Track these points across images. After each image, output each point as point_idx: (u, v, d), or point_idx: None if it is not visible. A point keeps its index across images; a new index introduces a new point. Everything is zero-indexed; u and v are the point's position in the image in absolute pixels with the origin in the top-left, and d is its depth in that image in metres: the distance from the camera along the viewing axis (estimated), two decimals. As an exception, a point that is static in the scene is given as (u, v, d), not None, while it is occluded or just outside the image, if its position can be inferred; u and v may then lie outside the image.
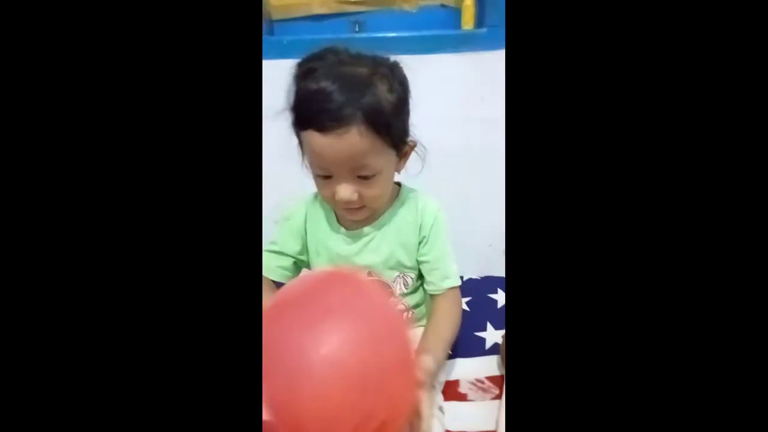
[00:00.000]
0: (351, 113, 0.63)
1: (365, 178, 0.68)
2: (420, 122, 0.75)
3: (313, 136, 0.65)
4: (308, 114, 0.65)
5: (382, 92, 0.66)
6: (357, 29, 1.29)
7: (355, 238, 0.78)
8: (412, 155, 0.76)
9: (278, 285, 0.84)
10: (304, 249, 0.82)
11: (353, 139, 0.64)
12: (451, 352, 0.90)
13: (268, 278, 0.82)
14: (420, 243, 0.79)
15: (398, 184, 0.81)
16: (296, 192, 0.84)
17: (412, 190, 0.82)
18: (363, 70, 0.66)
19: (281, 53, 1.18)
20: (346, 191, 0.68)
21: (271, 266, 0.82)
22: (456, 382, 0.83)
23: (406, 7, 1.29)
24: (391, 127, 0.67)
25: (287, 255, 0.82)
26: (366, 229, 0.78)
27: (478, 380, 0.82)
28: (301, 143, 0.71)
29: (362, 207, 0.72)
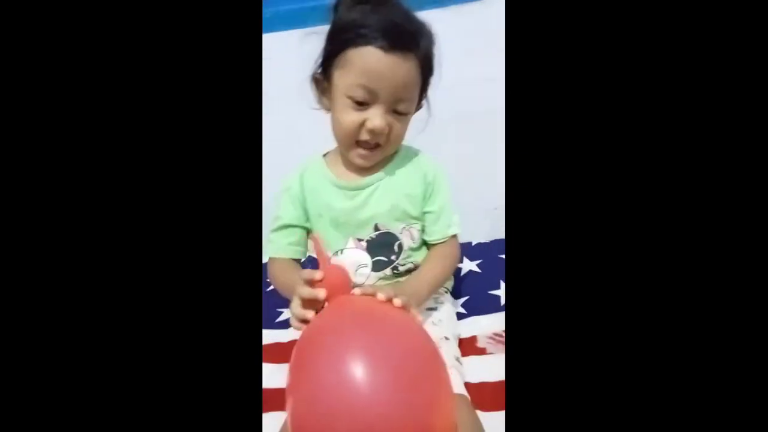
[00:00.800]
0: (416, 44, 0.68)
1: (398, 113, 0.70)
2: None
3: (373, 54, 0.66)
4: (377, 31, 0.65)
5: (429, 45, 0.71)
6: None
7: (357, 191, 0.77)
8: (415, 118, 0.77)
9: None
10: (307, 215, 0.81)
11: (412, 66, 0.68)
12: (466, 311, 0.91)
13: (283, 259, 0.81)
14: (424, 193, 0.78)
15: None
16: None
17: (410, 148, 0.82)
18: (416, 21, 0.70)
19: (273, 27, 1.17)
20: (382, 119, 0.68)
21: (282, 245, 0.80)
22: (474, 338, 0.82)
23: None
24: (429, 77, 0.72)
25: (293, 226, 0.81)
26: (367, 179, 0.77)
27: (496, 334, 0.82)
28: (332, 69, 0.70)
29: (378, 147, 0.72)
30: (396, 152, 0.79)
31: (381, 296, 0.54)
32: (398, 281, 0.79)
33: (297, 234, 0.81)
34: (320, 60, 0.72)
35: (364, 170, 0.77)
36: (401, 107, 0.69)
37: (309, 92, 0.76)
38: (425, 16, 1.13)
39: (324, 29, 0.72)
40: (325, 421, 0.45)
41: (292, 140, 0.90)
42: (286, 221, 0.81)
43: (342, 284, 0.59)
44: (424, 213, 0.80)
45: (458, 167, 0.93)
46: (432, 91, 0.77)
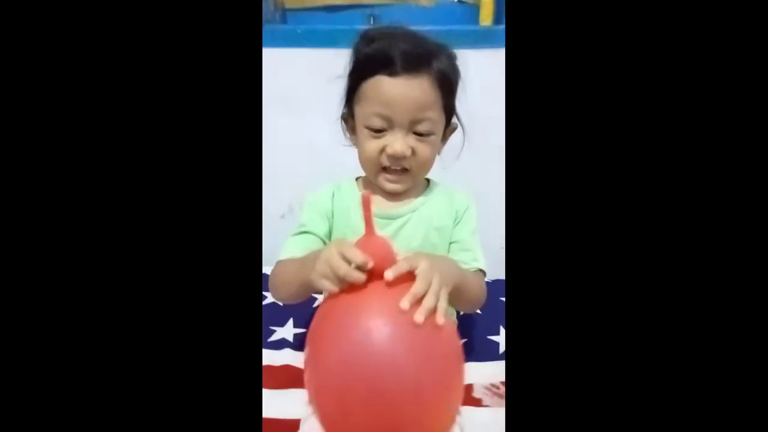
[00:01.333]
0: (425, 64, 0.67)
1: (420, 135, 0.69)
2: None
3: (383, 81, 0.66)
4: (381, 60, 0.66)
5: (447, 63, 0.70)
6: (372, 22, 1.26)
7: (389, 221, 0.75)
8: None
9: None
10: (331, 231, 0.78)
11: (424, 86, 0.67)
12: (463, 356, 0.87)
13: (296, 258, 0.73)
14: (453, 224, 0.77)
15: (426, 180, 0.80)
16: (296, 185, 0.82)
17: (440, 183, 0.81)
18: (429, 43, 0.70)
19: (294, 42, 1.15)
20: (402, 143, 0.68)
21: (300, 247, 0.73)
22: (470, 387, 0.79)
23: (423, 2, 1.27)
24: (452, 94, 0.71)
25: (316, 235, 0.75)
26: (400, 209, 0.75)
27: (493, 385, 0.79)
28: (353, 105, 0.71)
29: (406, 172, 0.71)
30: (429, 185, 0.79)
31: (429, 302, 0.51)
32: None
33: (317, 243, 0.75)
34: (344, 99, 0.73)
35: (396, 198, 0.75)
36: (422, 128, 0.68)
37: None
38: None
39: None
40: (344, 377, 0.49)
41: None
42: (309, 228, 0.76)
43: (387, 256, 0.54)
44: (450, 243, 0.77)
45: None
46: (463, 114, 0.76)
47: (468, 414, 0.73)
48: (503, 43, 0.45)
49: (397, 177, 0.72)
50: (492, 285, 1.07)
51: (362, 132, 0.70)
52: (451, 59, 0.71)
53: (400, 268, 0.52)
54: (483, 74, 1.17)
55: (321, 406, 0.53)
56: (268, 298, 0.93)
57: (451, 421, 0.55)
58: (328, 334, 0.53)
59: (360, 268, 0.52)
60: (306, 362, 0.55)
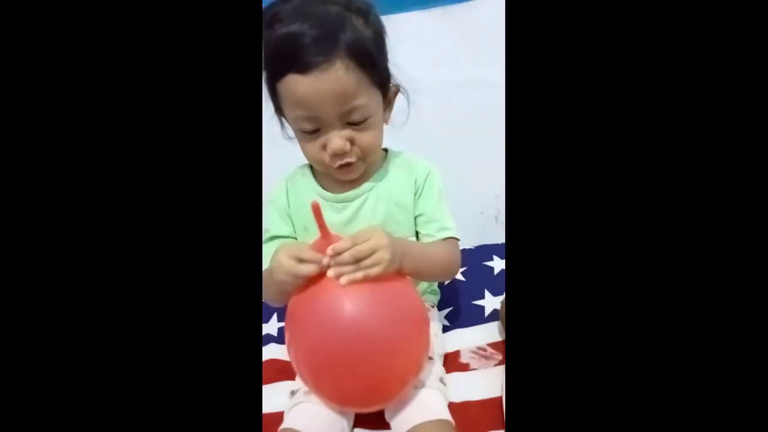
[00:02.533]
0: (332, 46, 0.59)
1: (356, 124, 0.64)
2: (407, 85, 0.71)
3: (294, 81, 0.60)
4: (284, 57, 0.60)
5: (360, 26, 0.62)
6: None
7: (346, 203, 0.72)
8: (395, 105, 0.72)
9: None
10: (294, 229, 0.77)
11: (339, 74, 0.59)
12: (449, 323, 0.88)
13: None
14: (415, 197, 0.74)
15: (385, 149, 0.77)
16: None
17: (399, 152, 0.78)
18: (334, 8, 0.61)
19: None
20: (338, 140, 0.63)
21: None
22: (457, 353, 0.80)
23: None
24: (376, 62, 0.63)
25: (284, 237, 0.76)
26: (356, 190, 0.72)
27: (479, 348, 0.80)
28: (279, 103, 0.66)
29: (355, 161, 0.67)
30: (386, 158, 0.76)
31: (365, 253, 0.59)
32: None
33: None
34: (269, 95, 0.67)
35: (352, 181, 0.72)
36: (354, 117, 0.63)
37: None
38: (410, 17, 1.10)
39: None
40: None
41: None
42: (275, 233, 0.76)
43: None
44: (415, 217, 0.75)
45: (441, 171, 0.90)
46: (413, 93, 0.72)
47: (456, 379, 0.74)
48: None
49: (348, 169, 0.68)
50: (475, 251, 1.09)
51: (297, 134, 0.67)
52: (365, 15, 0.63)
53: (342, 244, 0.58)
54: (453, 33, 1.14)
55: (304, 374, 0.63)
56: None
57: (417, 363, 0.64)
58: (299, 313, 0.61)
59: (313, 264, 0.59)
60: (288, 343, 0.64)
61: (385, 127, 0.71)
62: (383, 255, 0.59)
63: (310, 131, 0.64)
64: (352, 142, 0.64)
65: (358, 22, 0.62)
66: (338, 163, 0.66)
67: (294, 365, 0.64)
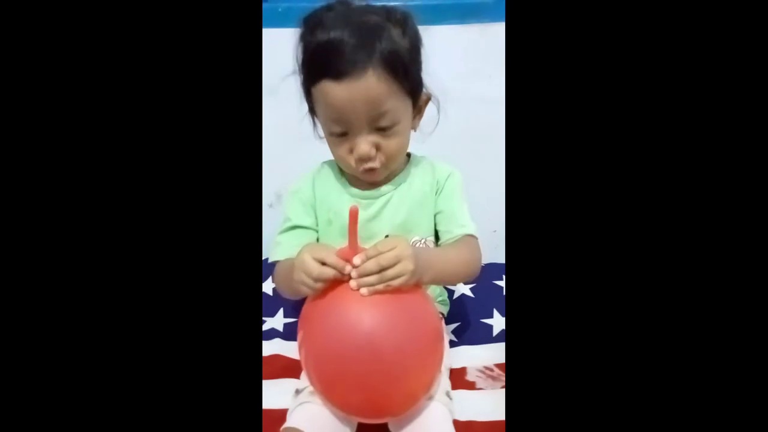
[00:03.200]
0: (367, 56, 0.61)
1: (383, 129, 0.65)
2: (439, 95, 0.72)
3: (328, 87, 0.62)
4: (321, 64, 0.62)
5: (397, 36, 0.64)
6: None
7: (371, 201, 0.74)
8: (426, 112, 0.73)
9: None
10: (316, 221, 0.77)
11: (370, 83, 0.62)
12: (456, 339, 0.87)
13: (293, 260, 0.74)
14: (435, 194, 0.75)
15: (408, 154, 0.78)
16: (295, 173, 0.81)
17: (423, 156, 0.79)
18: (374, 17, 0.64)
19: (276, 22, 1.12)
20: (365, 145, 0.65)
21: (292, 246, 0.72)
22: (463, 370, 0.79)
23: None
24: (409, 72, 0.65)
25: (304, 227, 0.76)
26: (384, 187, 0.74)
27: (486, 368, 0.79)
28: (312, 105, 0.69)
29: (379, 167, 0.68)
30: (410, 162, 0.77)
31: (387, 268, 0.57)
32: None
33: (308, 236, 0.76)
34: (304, 96, 0.70)
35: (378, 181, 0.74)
36: (383, 123, 0.65)
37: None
38: (447, 30, 1.10)
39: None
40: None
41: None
42: (296, 222, 0.76)
43: None
44: (435, 215, 0.76)
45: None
46: (430, 107, 0.73)
47: (462, 397, 0.73)
48: (503, 17, 0.45)
49: (372, 172, 0.69)
50: (485, 269, 1.07)
51: (327, 137, 0.69)
52: (403, 25, 0.66)
53: (368, 253, 0.57)
54: (468, 51, 1.14)
55: (313, 378, 0.62)
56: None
57: (428, 383, 0.62)
58: (316, 317, 0.60)
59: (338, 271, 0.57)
60: (299, 344, 0.63)
61: (412, 133, 0.73)
62: (407, 265, 0.58)
63: (339, 134, 0.66)
64: (377, 147, 0.66)
65: (395, 32, 0.64)
66: (363, 167, 0.68)
67: (303, 366, 0.63)
